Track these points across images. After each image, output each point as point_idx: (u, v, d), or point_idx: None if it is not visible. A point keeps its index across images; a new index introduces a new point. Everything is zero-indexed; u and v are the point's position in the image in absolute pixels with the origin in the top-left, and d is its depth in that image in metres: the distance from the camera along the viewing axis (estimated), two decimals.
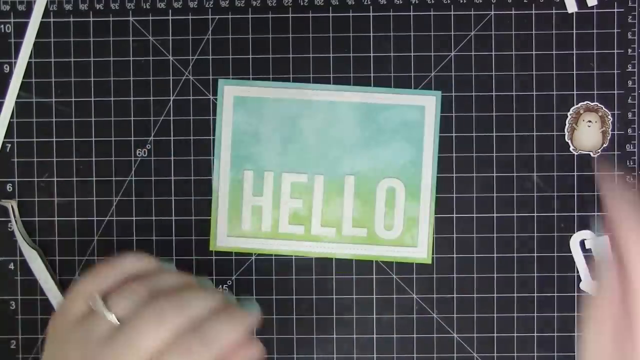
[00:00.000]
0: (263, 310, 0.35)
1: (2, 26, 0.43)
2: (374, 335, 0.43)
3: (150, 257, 0.35)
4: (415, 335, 0.43)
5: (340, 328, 0.43)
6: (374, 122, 0.42)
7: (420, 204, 0.42)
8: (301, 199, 0.43)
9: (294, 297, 0.43)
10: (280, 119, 0.42)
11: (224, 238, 0.43)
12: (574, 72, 0.42)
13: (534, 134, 0.43)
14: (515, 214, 0.43)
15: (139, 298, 0.33)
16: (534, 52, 0.42)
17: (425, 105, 0.42)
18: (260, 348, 0.34)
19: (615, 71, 0.42)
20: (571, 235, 0.43)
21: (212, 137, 0.43)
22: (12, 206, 0.43)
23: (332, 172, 0.42)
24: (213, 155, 0.43)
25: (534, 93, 0.43)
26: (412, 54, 0.43)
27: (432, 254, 0.43)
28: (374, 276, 0.43)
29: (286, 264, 0.43)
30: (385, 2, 0.43)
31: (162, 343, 0.32)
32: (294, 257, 0.43)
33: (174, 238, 0.43)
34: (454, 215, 0.43)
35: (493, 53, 0.43)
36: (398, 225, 0.43)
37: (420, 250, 0.43)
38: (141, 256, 0.35)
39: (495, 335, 0.43)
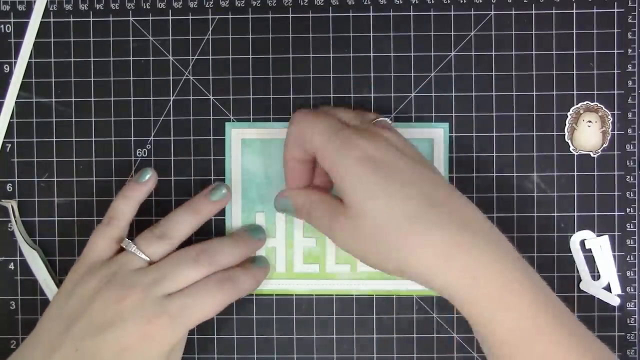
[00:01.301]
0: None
1: (2, 26, 0.43)
2: (374, 335, 0.43)
3: (135, 185, 0.40)
4: (415, 335, 0.43)
5: (340, 328, 0.43)
6: None
7: None
8: (314, 237, 0.43)
9: (293, 296, 0.43)
10: None
11: None
12: (574, 72, 0.43)
13: (534, 134, 0.43)
14: (515, 214, 0.43)
15: (169, 245, 0.38)
16: (534, 52, 0.43)
17: (434, 138, 0.42)
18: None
19: (615, 71, 0.42)
20: (571, 235, 0.43)
21: (211, 137, 0.43)
22: (12, 206, 0.43)
23: None
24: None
25: (534, 93, 0.43)
26: (412, 54, 0.43)
27: None
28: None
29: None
30: (385, 2, 0.43)
31: (199, 278, 0.37)
32: (314, 296, 0.43)
33: None
34: None
35: (493, 53, 0.43)
36: None
37: None
38: (129, 189, 0.40)
39: None
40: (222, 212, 0.43)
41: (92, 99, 0.43)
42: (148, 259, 0.38)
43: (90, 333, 0.35)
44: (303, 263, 0.43)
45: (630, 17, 0.42)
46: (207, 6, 0.43)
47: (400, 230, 0.33)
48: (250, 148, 0.43)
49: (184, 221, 0.39)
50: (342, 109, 0.39)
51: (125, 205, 0.39)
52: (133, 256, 0.38)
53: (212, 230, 0.43)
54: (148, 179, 0.40)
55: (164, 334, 0.35)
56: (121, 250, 0.38)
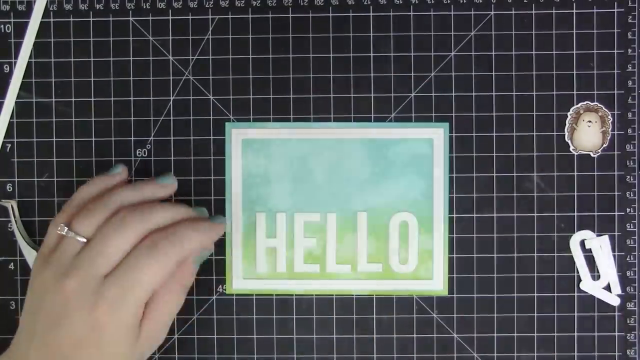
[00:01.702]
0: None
1: (2, 26, 0.43)
2: (374, 335, 0.43)
3: (103, 176, 0.40)
4: (415, 335, 0.43)
5: (340, 328, 0.43)
6: (383, 157, 0.42)
7: (433, 236, 0.42)
8: (315, 237, 0.43)
9: (294, 296, 0.43)
10: (288, 159, 0.43)
11: (240, 281, 0.43)
12: (574, 72, 0.42)
13: (534, 134, 0.43)
14: (515, 214, 0.43)
15: (101, 215, 0.37)
16: (534, 52, 0.42)
17: (434, 138, 0.42)
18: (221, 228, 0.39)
19: (615, 71, 0.42)
20: (571, 235, 0.43)
21: (211, 138, 0.43)
22: (12, 206, 0.43)
23: (344, 210, 0.42)
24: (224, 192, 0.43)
25: (534, 93, 0.43)
26: (412, 54, 0.43)
27: (449, 286, 0.43)
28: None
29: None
30: (385, 2, 0.43)
31: (129, 245, 0.36)
32: (314, 296, 0.43)
33: None
34: (454, 215, 0.43)
35: (493, 53, 0.43)
36: (413, 259, 0.43)
37: (436, 283, 0.43)
38: (97, 178, 0.39)
39: (495, 335, 0.43)
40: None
41: (92, 99, 0.43)
42: (85, 240, 0.36)
43: (50, 327, 0.35)
44: (303, 263, 0.43)
45: (630, 17, 0.42)
46: (207, 6, 0.43)
47: None
48: (250, 148, 0.43)
49: (120, 194, 0.38)
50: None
51: (81, 191, 0.39)
52: (71, 240, 0.36)
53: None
54: (116, 173, 0.40)
55: (111, 320, 0.35)
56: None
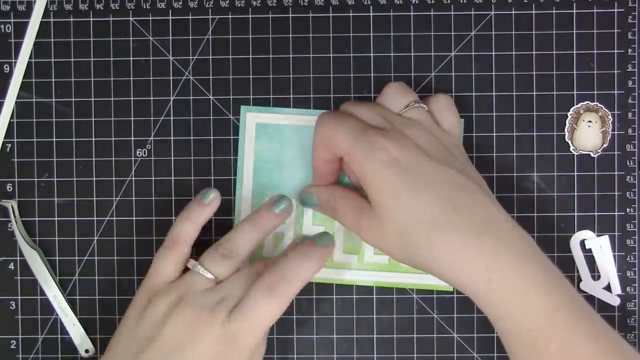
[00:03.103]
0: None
1: (2, 26, 0.43)
2: (374, 335, 0.43)
3: (198, 207, 0.40)
4: (415, 335, 0.43)
5: (340, 328, 0.43)
6: None
7: None
8: (323, 225, 0.43)
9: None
10: (301, 145, 0.42)
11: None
12: (574, 72, 0.43)
13: (534, 134, 0.43)
14: (515, 214, 0.43)
15: (234, 264, 0.38)
16: (534, 52, 0.43)
17: None
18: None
19: (615, 71, 0.42)
20: (571, 235, 0.43)
21: (211, 137, 0.43)
22: (12, 206, 0.43)
23: None
24: (234, 177, 0.43)
25: (534, 93, 0.43)
26: (412, 54, 0.43)
27: None
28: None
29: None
30: (385, 2, 0.43)
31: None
32: (314, 283, 0.43)
33: None
34: None
35: (493, 53, 0.43)
36: None
37: None
38: (194, 211, 0.40)
39: (495, 335, 0.43)
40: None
41: (92, 99, 0.43)
42: (214, 278, 0.37)
43: (164, 357, 0.35)
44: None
45: (630, 17, 0.42)
46: (207, 6, 0.43)
47: (423, 234, 0.34)
48: (264, 132, 0.42)
49: (248, 238, 0.39)
50: (366, 107, 0.38)
51: (188, 227, 0.39)
52: (199, 276, 0.37)
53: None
54: (212, 200, 0.40)
55: (233, 352, 0.35)
56: (186, 270, 0.38)
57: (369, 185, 0.36)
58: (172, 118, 0.43)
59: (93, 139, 0.43)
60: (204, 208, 0.39)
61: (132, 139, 0.43)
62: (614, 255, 0.42)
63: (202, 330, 0.35)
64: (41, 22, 0.43)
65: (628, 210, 0.43)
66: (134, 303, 0.38)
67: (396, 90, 0.39)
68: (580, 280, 0.43)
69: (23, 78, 0.43)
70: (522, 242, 0.35)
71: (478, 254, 0.34)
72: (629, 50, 0.42)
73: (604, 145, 0.43)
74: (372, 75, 0.43)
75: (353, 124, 0.37)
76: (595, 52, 0.42)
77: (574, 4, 0.43)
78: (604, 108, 0.42)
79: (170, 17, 0.43)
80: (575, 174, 0.43)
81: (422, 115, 0.38)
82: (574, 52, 0.43)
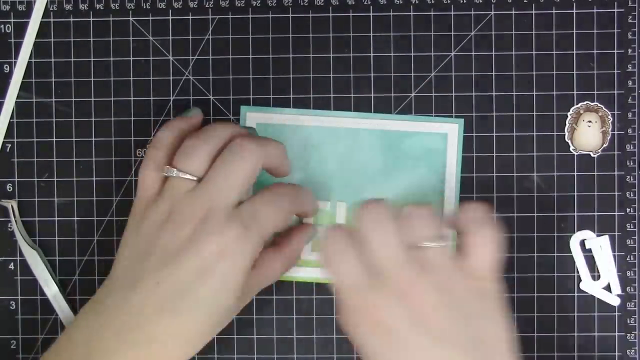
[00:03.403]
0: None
1: (2, 26, 0.43)
2: None
3: (180, 119, 0.40)
4: None
5: (340, 328, 0.43)
6: (396, 149, 0.42)
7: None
8: (324, 225, 0.43)
9: (294, 297, 0.43)
10: (302, 146, 0.42)
11: None
12: (574, 72, 0.43)
13: (534, 134, 0.43)
14: (515, 214, 0.43)
15: (205, 153, 0.36)
16: (534, 52, 0.42)
17: (448, 133, 0.42)
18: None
19: (615, 71, 0.42)
20: (571, 235, 0.43)
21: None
22: (12, 206, 0.43)
23: (354, 200, 0.42)
24: None
25: (534, 93, 0.43)
26: (412, 54, 0.43)
27: None
28: None
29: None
30: (385, 2, 0.43)
31: (252, 174, 0.36)
32: (314, 283, 0.43)
33: None
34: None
35: (493, 53, 0.43)
36: None
37: None
38: (174, 121, 0.39)
39: None
40: None
41: (92, 99, 0.43)
42: (195, 178, 0.36)
43: (166, 262, 0.34)
44: (311, 251, 0.43)
45: (630, 17, 0.42)
46: (207, 6, 0.43)
47: None
48: (264, 132, 0.42)
49: (215, 129, 0.38)
50: (384, 235, 0.34)
51: (165, 132, 0.38)
52: (180, 180, 0.36)
53: None
54: (192, 115, 0.40)
55: (242, 245, 0.35)
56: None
57: (354, 339, 0.35)
58: (172, 118, 0.43)
59: (93, 139, 0.43)
60: (185, 120, 0.39)
61: (132, 139, 0.43)
62: (614, 255, 0.42)
63: (201, 228, 0.34)
64: (41, 22, 0.43)
65: (628, 210, 0.43)
66: (129, 222, 0.37)
67: (420, 215, 0.35)
68: (580, 280, 0.43)
69: (23, 78, 0.43)
70: None
71: None
72: (629, 50, 0.42)
73: (604, 145, 0.43)
74: (372, 75, 0.43)
75: (354, 273, 0.34)
76: (595, 52, 0.42)
77: (574, 4, 0.43)
78: (604, 108, 0.42)
79: (170, 17, 0.43)
80: (575, 174, 0.43)
81: (441, 259, 0.34)
82: (574, 52, 0.43)
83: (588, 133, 0.42)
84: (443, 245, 0.34)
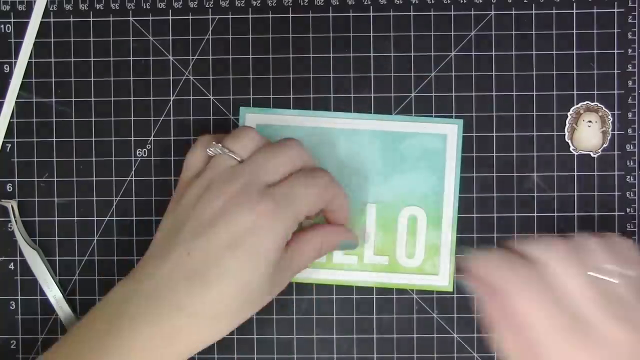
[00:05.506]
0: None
1: (2, 26, 0.43)
2: (374, 335, 0.43)
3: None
4: (415, 335, 0.43)
5: (340, 328, 0.43)
6: (395, 150, 0.42)
7: (442, 232, 0.42)
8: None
9: (293, 297, 0.43)
10: None
11: None
12: (574, 72, 0.43)
13: (534, 134, 0.43)
14: (515, 214, 0.43)
15: (252, 141, 0.37)
16: (534, 52, 0.43)
17: (447, 134, 0.42)
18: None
19: (615, 71, 0.42)
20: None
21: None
22: (12, 206, 0.43)
23: (353, 201, 0.42)
24: None
25: (534, 93, 0.43)
26: (412, 54, 0.43)
27: (454, 283, 0.43)
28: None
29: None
30: (385, 2, 0.43)
31: (286, 170, 0.37)
32: (314, 284, 0.43)
33: None
34: (458, 215, 0.43)
35: (493, 53, 0.43)
36: (419, 254, 0.43)
37: (441, 279, 0.43)
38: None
39: None
40: None
41: (92, 99, 0.43)
42: (239, 158, 0.37)
43: (198, 232, 0.35)
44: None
45: (630, 17, 0.42)
46: (207, 6, 0.43)
47: None
48: (264, 133, 0.42)
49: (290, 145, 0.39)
50: (567, 266, 0.34)
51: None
52: (223, 157, 0.37)
53: None
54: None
55: (273, 221, 0.35)
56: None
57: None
58: (172, 118, 0.43)
59: (93, 139, 0.43)
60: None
61: (132, 139, 0.43)
62: None
63: (235, 201, 0.35)
64: (41, 22, 0.43)
65: (628, 210, 0.43)
66: (172, 200, 0.38)
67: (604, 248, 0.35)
68: None
69: (23, 78, 0.43)
70: None
71: None
72: (629, 50, 0.42)
73: (604, 145, 0.43)
74: (372, 75, 0.43)
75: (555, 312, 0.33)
76: (595, 52, 0.42)
77: (574, 4, 0.43)
78: (604, 108, 0.42)
79: (170, 17, 0.43)
80: (575, 174, 0.43)
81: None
82: (574, 52, 0.43)
83: (588, 133, 0.42)
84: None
